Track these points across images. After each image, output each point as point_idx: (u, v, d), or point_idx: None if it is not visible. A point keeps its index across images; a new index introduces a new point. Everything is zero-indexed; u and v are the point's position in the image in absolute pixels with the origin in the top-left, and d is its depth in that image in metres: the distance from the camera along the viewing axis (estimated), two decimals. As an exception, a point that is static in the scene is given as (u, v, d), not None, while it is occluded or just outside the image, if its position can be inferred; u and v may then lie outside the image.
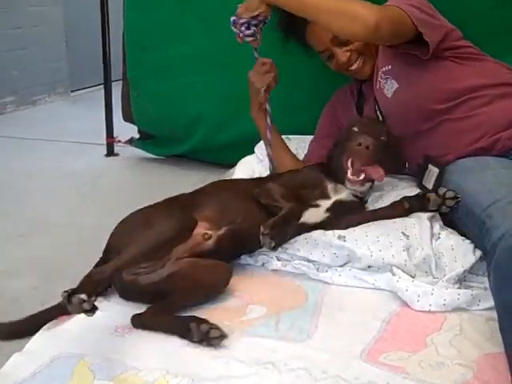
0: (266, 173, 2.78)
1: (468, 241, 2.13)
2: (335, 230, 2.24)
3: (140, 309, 1.94)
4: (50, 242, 2.78)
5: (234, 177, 2.86)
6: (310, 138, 2.95)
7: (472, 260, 2.08)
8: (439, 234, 2.19)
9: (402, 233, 2.18)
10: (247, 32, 2.33)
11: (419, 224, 2.21)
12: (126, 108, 3.92)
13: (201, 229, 2.11)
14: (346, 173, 2.22)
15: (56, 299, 1.84)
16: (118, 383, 1.61)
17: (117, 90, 4.09)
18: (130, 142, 4.10)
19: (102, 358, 1.72)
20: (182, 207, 2.16)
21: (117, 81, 4.14)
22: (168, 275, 1.96)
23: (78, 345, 1.80)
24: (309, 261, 2.22)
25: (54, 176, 3.73)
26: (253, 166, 2.93)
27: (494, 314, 1.88)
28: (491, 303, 1.92)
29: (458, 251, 2.11)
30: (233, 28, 2.36)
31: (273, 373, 1.65)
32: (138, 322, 1.90)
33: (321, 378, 1.62)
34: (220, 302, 2.05)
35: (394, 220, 2.26)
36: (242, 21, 2.31)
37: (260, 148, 2.94)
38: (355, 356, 1.72)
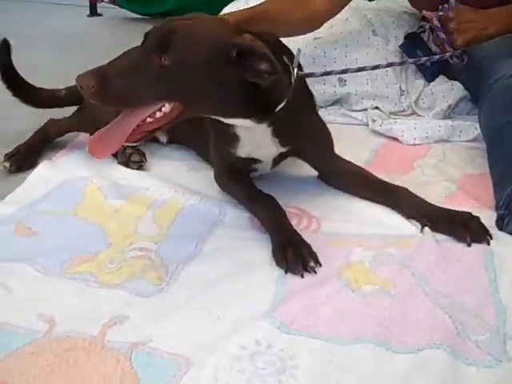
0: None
1: (456, 82, 2.24)
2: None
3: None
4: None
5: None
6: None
7: (457, 96, 2.19)
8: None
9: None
10: None
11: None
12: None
13: None
14: None
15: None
16: (130, 201, 1.73)
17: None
18: (114, 1, 4.03)
19: (110, 182, 1.83)
20: None
21: None
22: None
23: (84, 169, 1.90)
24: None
25: (39, 34, 3.69)
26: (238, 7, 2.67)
27: (475, 144, 2.06)
28: (472, 135, 2.11)
29: (447, 89, 2.23)
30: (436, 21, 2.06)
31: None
32: None
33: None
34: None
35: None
36: None
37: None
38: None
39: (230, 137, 1.66)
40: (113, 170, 1.92)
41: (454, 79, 2.27)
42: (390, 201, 1.68)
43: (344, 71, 1.94)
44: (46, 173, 1.89)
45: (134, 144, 1.47)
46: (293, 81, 1.55)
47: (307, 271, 1.41)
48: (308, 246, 1.47)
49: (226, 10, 2.78)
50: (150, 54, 1.36)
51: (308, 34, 2.27)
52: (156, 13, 3.91)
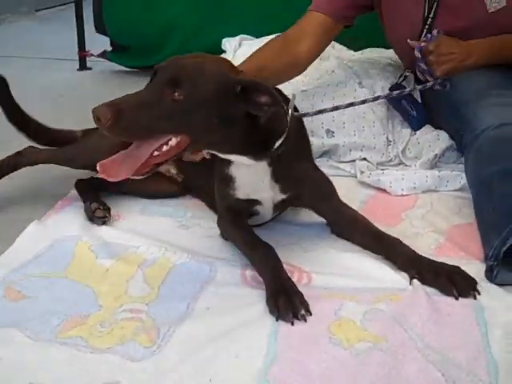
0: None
1: (442, 131, 2.27)
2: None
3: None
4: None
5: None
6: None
7: (443, 146, 2.22)
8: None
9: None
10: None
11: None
12: (98, 18, 3.90)
13: None
14: None
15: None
16: (120, 261, 1.73)
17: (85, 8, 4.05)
18: (103, 54, 4.08)
19: (100, 240, 1.83)
20: None
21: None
22: None
23: (74, 228, 1.91)
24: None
25: (29, 89, 3.71)
26: None
27: (462, 194, 2.09)
28: (458, 184, 2.14)
29: (433, 139, 2.27)
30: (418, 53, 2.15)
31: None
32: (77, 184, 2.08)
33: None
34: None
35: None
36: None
37: (230, 42, 2.95)
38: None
39: (230, 178, 1.72)
40: (103, 228, 1.92)
41: (440, 128, 2.30)
42: (382, 250, 1.70)
43: (335, 108, 1.98)
44: (36, 233, 1.88)
45: (141, 177, 1.51)
46: (288, 120, 1.62)
47: (298, 319, 1.43)
48: (300, 295, 1.50)
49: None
50: (162, 89, 1.44)
51: (296, 86, 2.32)
52: (145, 65, 3.95)
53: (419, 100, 2.36)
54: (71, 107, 3.23)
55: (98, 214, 1.93)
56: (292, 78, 2.29)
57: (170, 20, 3.62)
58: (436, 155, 2.22)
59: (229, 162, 1.69)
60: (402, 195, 2.13)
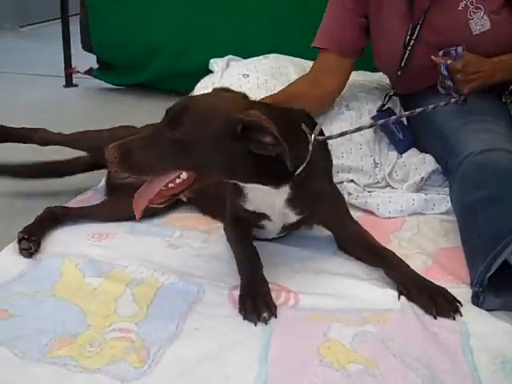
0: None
1: (428, 155, 2.30)
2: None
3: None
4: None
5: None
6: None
7: (429, 169, 2.25)
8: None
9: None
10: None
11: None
12: (85, 36, 3.91)
13: None
14: None
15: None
16: (108, 279, 1.72)
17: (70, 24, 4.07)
18: (89, 72, 4.09)
19: (87, 259, 1.82)
20: None
21: (71, 16, 4.16)
22: None
23: (60, 247, 1.90)
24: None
25: (14, 105, 3.71)
26: (213, 82, 2.79)
27: (448, 217, 2.10)
28: (444, 208, 2.16)
29: (419, 162, 2.30)
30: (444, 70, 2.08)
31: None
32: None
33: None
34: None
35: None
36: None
37: (217, 62, 2.96)
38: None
39: (241, 191, 1.76)
40: (88, 246, 1.91)
41: (426, 152, 2.33)
42: (377, 261, 1.77)
43: (358, 129, 1.97)
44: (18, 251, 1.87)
45: (161, 206, 1.60)
46: (310, 147, 1.66)
47: (259, 321, 1.53)
48: (267, 298, 1.59)
49: (200, 84, 2.87)
50: (163, 129, 1.53)
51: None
52: (131, 83, 3.96)
53: (405, 123, 2.38)
54: (57, 124, 3.18)
55: (23, 245, 1.86)
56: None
57: (157, 39, 3.63)
58: (422, 178, 2.24)
59: None
60: (390, 217, 2.15)
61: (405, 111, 2.30)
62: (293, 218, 1.79)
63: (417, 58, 2.23)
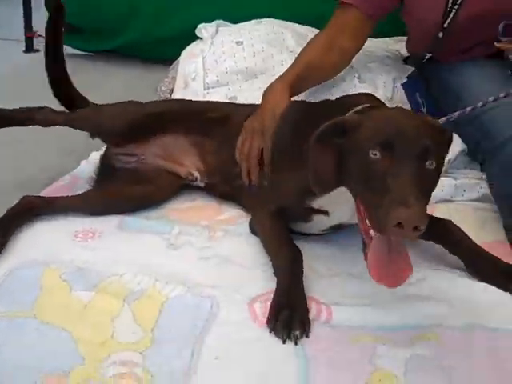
0: (219, 59, 2.47)
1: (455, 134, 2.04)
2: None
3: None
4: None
5: (180, 72, 2.58)
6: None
7: (456, 150, 1.99)
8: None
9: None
10: None
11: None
12: (48, -5, 3.53)
13: None
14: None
15: None
16: (100, 293, 1.41)
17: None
18: (53, 36, 3.71)
19: (73, 267, 1.50)
20: None
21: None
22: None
23: (38, 251, 1.56)
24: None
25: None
26: (202, 49, 2.56)
27: (481, 205, 1.87)
28: (476, 194, 1.91)
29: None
30: None
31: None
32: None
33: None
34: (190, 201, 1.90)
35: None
36: None
37: (206, 28, 2.68)
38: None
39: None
40: (73, 249, 1.58)
41: None
42: (437, 236, 1.61)
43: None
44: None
45: None
46: None
47: (289, 339, 1.28)
48: (303, 313, 1.34)
49: (187, 52, 2.57)
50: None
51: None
52: (102, 50, 3.60)
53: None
54: (17, 92, 2.90)
55: None
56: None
57: (133, 1, 3.28)
58: (449, 160, 1.98)
59: None
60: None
61: (430, 82, 2.09)
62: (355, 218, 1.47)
63: (466, 9, 1.94)
